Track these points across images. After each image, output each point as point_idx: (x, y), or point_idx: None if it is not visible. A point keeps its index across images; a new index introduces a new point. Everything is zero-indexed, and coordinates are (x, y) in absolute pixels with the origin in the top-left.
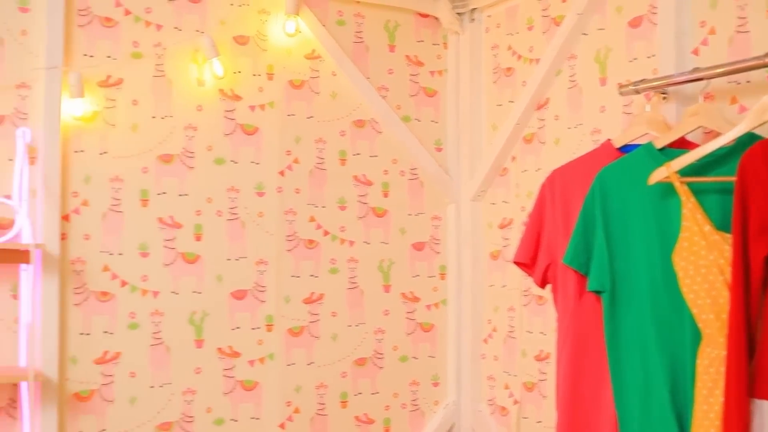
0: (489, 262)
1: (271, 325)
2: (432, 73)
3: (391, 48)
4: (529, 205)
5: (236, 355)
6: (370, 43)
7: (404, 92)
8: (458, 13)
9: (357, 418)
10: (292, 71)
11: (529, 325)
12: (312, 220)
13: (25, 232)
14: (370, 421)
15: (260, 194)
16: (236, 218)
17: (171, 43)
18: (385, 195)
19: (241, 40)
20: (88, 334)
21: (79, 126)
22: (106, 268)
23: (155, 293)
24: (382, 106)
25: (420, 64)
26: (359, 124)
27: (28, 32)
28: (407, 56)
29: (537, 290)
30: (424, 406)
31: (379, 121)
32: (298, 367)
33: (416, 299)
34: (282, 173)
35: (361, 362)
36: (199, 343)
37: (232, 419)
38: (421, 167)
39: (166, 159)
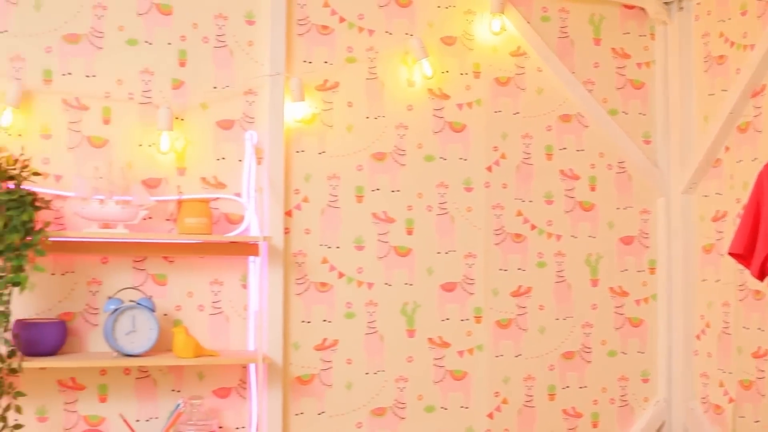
0: (701, 255)
1: (480, 317)
2: (639, 64)
3: (597, 41)
4: (745, 196)
5: (446, 345)
6: (575, 37)
7: (610, 85)
8: (665, 3)
9: (565, 411)
10: (498, 69)
11: (745, 321)
12: (519, 214)
13: (252, 226)
14: (578, 415)
15: (468, 189)
16: (445, 213)
17: (382, 46)
18: (592, 189)
19: (448, 41)
20: (308, 322)
21: (300, 128)
22: (324, 261)
23: (370, 285)
24: (589, 100)
25: (626, 56)
26: (565, 118)
27: (254, 43)
28: (613, 49)
29: (754, 284)
30: (633, 402)
31: (586, 115)
32: (506, 358)
33: (625, 294)
34: (489, 169)
35: (568, 356)
36: (411, 333)
37: (442, 407)
38: (629, 160)
39: (379, 157)
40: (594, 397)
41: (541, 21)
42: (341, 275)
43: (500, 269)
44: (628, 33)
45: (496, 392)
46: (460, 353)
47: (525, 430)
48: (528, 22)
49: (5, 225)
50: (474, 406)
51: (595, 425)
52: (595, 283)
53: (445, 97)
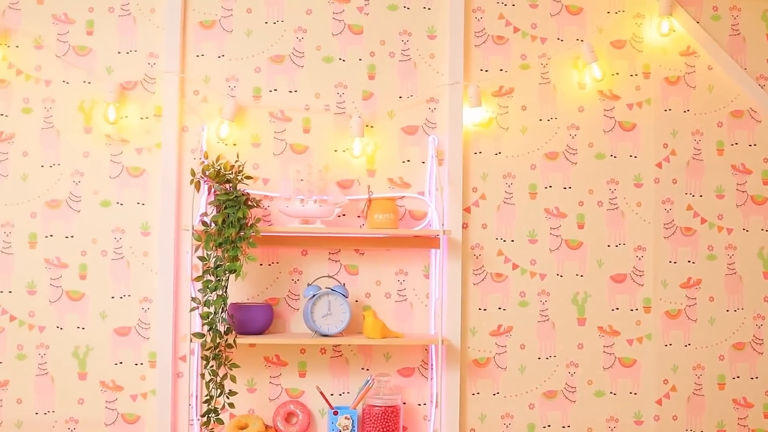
0: None
1: (649, 307)
2: None
3: None
4: None
5: (616, 333)
6: (746, 34)
7: None
8: None
9: (735, 401)
10: (668, 68)
11: None
12: (689, 208)
13: (434, 222)
14: (749, 405)
15: (638, 185)
16: (616, 208)
17: (554, 52)
18: (765, 183)
19: (617, 44)
20: (484, 310)
21: (477, 131)
22: (500, 253)
23: (542, 276)
24: (761, 95)
25: None
26: (737, 114)
27: (435, 55)
28: None
29: None
30: None
31: (758, 110)
32: (675, 347)
33: None
34: (659, 165)
35: (739, 347)
36: (582, 321)
37: (611, 392)
38: None
39: (552, 156)
40: (766, 387)
41: (711, 20)
42: (515, 266)
43: (670, 261)
44: None
45: (665, 380)
46: (629, 341)
47: (694, 417)
48: (697, 22)
49: (223, 221)
50: (643, 392)
51: (767, 416)
52: (767, 276)
53: (615, 98)
